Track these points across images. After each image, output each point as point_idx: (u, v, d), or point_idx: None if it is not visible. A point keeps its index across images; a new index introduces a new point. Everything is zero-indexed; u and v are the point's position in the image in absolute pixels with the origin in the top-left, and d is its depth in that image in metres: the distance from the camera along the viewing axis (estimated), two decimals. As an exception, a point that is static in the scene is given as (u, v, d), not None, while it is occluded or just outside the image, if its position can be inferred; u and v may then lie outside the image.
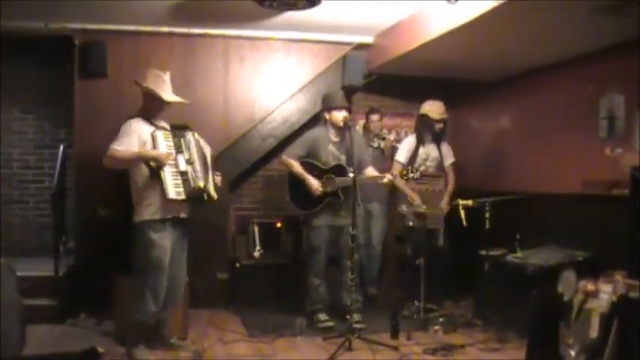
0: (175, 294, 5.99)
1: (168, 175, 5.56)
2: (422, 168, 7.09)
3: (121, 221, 6.73)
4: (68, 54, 7.59)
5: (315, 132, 7.12)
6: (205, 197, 5.82)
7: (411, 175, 6.56)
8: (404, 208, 7.22)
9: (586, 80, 6.74)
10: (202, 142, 6.06)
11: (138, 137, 5.60)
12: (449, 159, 7.66)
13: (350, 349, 6.04)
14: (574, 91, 6.99)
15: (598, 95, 6.55)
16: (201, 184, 5.76)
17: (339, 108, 6.89)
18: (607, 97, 6.45)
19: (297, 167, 6.91)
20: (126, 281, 6.07)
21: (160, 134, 5.66)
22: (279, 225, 8.24)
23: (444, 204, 7.41)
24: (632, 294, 4.69)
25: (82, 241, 7.60)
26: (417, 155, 7.54)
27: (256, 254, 8.05)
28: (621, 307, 4.72)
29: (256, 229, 8.16)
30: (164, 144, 5.65)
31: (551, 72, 7.33)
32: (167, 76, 5.86)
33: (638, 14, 5.14)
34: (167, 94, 5.82)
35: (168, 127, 5.90)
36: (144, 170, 5.62)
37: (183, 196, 5.62)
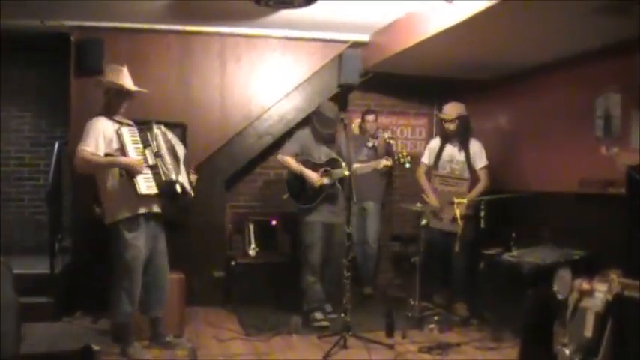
0: (160, 292, 5.93)
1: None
2: (447, 170, 7.22)
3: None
4: (65, 51, 7.58)
5: (307, 130, 7.17)
6: (179, 190, 5.71)
7: (402, 160, 6.62)
8: (419, 206, 7.17)
9: (582, 79, 6.76)
10: (172, 137, 6.00)
11: (103, 136, 5.54)
12: (479, 162, 7.41)
13: (345, 347, 6.05)
14: (570, 90, 7.00)
15: (594, 94, 6.56)
16: (173, 176, 5.68)
17: (331, 126, 6.95)
18: (603, 97, 6.47)
19: (293, 163, 6.94)
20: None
21: (125, 131, 5.60)
22: (274, 223, 8.24)
23: (462, 207, 7.05)
24: (628, 293, 4.70)
25: (78, 239, 7.58)
26: (441, 157, 7.53)
27: (252, 252, 8.05)
28: (616, 305, 4.73)
29: (252, 227, 8.16)
30: (130, 140, 5.59)
31: (547, 71, 7.34)
32: (125, 69, 5.84)
33: (635, 14, 5.15)
34: (130, 84, 5.80)
35: (131, 123, 5.84)
36: (113, 170, 5.57)
37: (155, 190, 5.54)
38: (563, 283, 5.27)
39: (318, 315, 6.92)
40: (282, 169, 7.13)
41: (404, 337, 6.50)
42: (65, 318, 6.96)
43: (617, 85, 6.29)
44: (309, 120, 7.32)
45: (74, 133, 7.53)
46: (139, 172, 5.48)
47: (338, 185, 6.83)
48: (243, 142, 8.05)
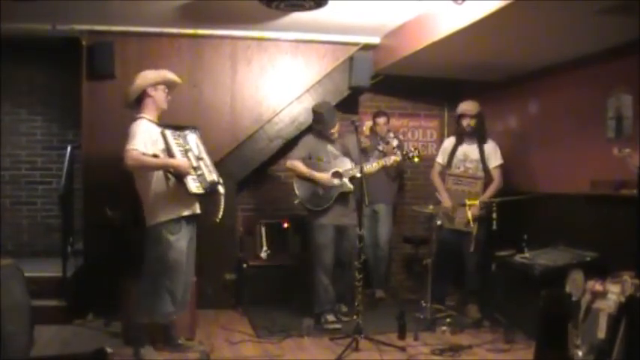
0: (187, 293, 6.00)
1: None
2: (461, 169, 7.28)
3: (129, 222, 6.77)
4: (75, 55, 7.60)
5: (311, 136, 7.21)
6: (222, 191, 5.85)
7: (410, 154, 6.67)
8: (431, 207, 7.16)
9: (593, 80, 6.73)
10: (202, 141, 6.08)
11: (149, 136, 5.62)
12: (494, 161, 7.41)
13: (357, 349, 6.04)
14: (582, 91, 6.98)
15: (606, 95, 6.53)
16: (214, 177, 5.81)
17: (331, 126, 7.00)
18: (615, 97, 6.44)
19: (303, 168, 6.96)
20: (134, 282, 6.08)
21: (169, 133, 5.69)
22: (286, 225, 8.24)
23: (475, 207, 7.07)
24: (640, 294, 4.69)
25: (90, 242, 7.59)
26: (455, 155, 7.54)
27: (263, 255, 8.06)
28: (629, 307, 4.72)
29: (263, 229, 8.17)
30: (174, 142, 5.68)
31: (559, 72, 7.31)
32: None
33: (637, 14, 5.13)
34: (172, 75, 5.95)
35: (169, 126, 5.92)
36: (156, 172, 5.64)
37: (202, 190, 5.66)
38: (575, 285, 5.26)
39: (330, 317, 6.92)
40: (293, 175, 7.11)
41: (416, 339, 6.48)
42: (77, 321, 6.98)
43: (627, 85, 6.25)
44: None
45: (86, 136, 7.59)
46: (188, 174, 5.59)
47: (349, 185, 6.83)
48: (254, 146, 8.05)
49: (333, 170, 6.90)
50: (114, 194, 7.13)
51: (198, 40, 7.88)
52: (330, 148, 7.03)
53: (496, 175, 7.36)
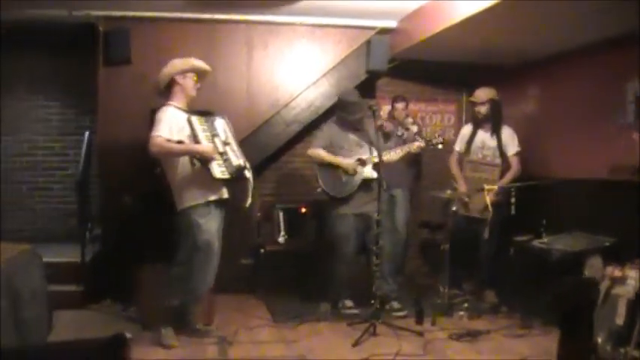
0: (213, 276, 6.03)
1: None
2: (479, 156, 7.30)
3: (145, 208, 6.79)
4: (91, 41, 7.61)
5: (332, 125, 7.15)
6: (249, 175, 5.89)
7: (434, 140, 6.65)
8: (449, 192, 7.14)
9: (612, 64, 6.67)
10: (230, 126, 6.14)
11: (176, 123, 5.69)
12: (511, 148, 7.37)
13: (375, 334, 6.06)
14: (600, 75, 6.91)
15: (625, 80, 6.47)
16: (241, 162, 5.84)
17: (356, 115, 6.94)
18: (634, 82, 6.37)
19: (326, 155, 6.91)
20: (151, 267, 6.11)
21: (195, 119, 5.73)
22: (303, 210, 8.19)
23: (491, 193, 7.02)
24: (660, 279, 4.65)
25: (108, 228, 7.63)
26: (473, 143, 7.52)
27: (281, 240, 8.03)
28: (649, 293, 4.68)
29: (281, 214, 8.13)
30: (200, 128, 5.72)
31: (577, 56, 7.25)
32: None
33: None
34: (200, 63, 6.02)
35: (198, 112, 5.98)
36: (182, 158, 5.70)
37: (227, 175, 5.71)
38: (594, 271, 5.22)
39: (348, 302, 6.93)
40: (312, 162, 7.08)
41: (433, 324, 6.48)
42: (94, 306, 7.01)
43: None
44: (334, 112, 7.30)
45: (102, 122, 7.61)
46: (213, 159, 5.64)
47: (373, 173, 6.79)
48: (270, 130, 8.04)
49: (357, 157, 6.87)
50: (130, 180, 7.16)
51: (214, 25, 7.87)
52: (352, 136, 6.97)
53: (514, 162, 7.33)
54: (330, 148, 6.95)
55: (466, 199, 7.27)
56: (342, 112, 6.98)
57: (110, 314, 6.84)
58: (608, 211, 6.44)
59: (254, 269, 7.93)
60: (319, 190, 7.00)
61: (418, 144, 6.80)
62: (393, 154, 6.81)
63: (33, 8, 7.12)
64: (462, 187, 7.38)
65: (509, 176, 7.23)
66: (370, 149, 6.80)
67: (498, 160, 7.32)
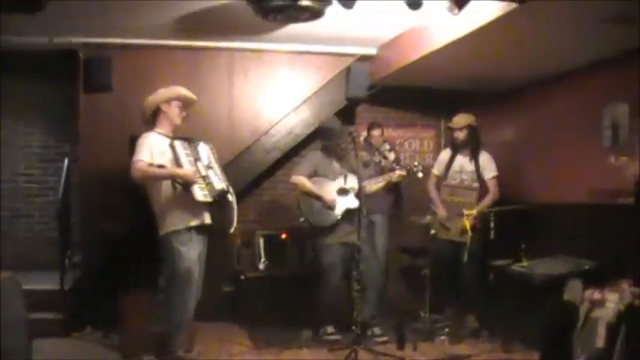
0: (195, 303, 5.99)
1: None
2: (456, 180, 7.35)
3: (127, 235, 6.77)
4: (72, 68, 7.62)
5: (318, 153, 7.19)
6: (231, 199, 5.93)
7: (414, 168, 6.69)
8: (428, 218, 7.18)
9: (590, 90, 6.75)
10: (214, 152, 6.19)
11: (157, 148, 5.72)
12: (488, 172, 7.42)
13: (356, 360, 6.05)
14: (578, 101, 7.00)
15: (602, 104, 6.54)
16: (224, 185, 5.87)
17: (338, 142, 6.98)
18: (611, 106, 6.45)
19: (308, 185, 6.92)
20: (132, 295, 6.08)
21: (178, 144, 5.77)
22: (284, 237, 8.20)
23: (470, 217, 7.07)
24: (639, 303, 4.69)
25: (88, 254, 7.60)
26: (451, 167, 7.56)
27: (261, 266, 8.04)
28: (628, 315, 4.72)
29: (261, 241, 8.14)
30: (183, 152, 5.76)
31: (555, 82, 7.34)
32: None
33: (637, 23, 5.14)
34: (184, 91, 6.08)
35: (181, 137, 6.00)
36: (164, 182, 5.71)
37: (209, 198, 5.71)
38: (574, 294, 5.26)
39: (329, 328, 6.91)
40: (296, 189, 7.10)
41: (415, 349, 6.49)
42: (75, 334, 6.96)
43: (623, 94, 6.26)
44: (314, 139, 7.34)
45: (83, 149, 7.60)
46: (195, 183, 5.64)
47: (354, 203, 6.77)
48: (251, 157, 8.05)
49: (339, 187, 6.88)
50: (111, 207, 7.14)
51: (196, 52, 7.90)
52: (335, 164, 7.01)
53: (491, 186, 7.39)
54: (314, 175, 6.96)
55: (446, 224, 7.30)
56: (324, 140, 7.02)
57: (91, 342, 6.80)
58: (588, 234, 6.48)
59: (234, 296, 7.90)
60: (302, 219, 7.01)
61: (400, 173, 6.84)
62: (374, 184, 6.86)
63: (13, 35, 7.11)
64: (441, 211, 7.41)
65: (487, 200, 7.28)
66: (351, 178, 6.81)
67: (476, 185, 7.37)
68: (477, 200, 7.27)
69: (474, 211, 7.02)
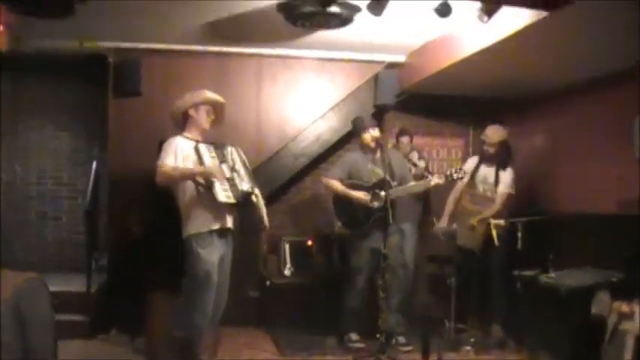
0: (218, 311, 5.98)
1: (216, 182, 5.64)
2: (480, 189, 7.33)
3: (154, 238, 6.79)
4: (102, 72, 7.68)
5: (354, 154, 7.17)
6: (255, 200, 5.88)
7: (455, 174, 6.65)
8: (454, 226, 7.15)
9: (621, 98, 6.69)
10: (243, 155, 6.17)
11: (181, 151, 5.73)
12: (502, 186, 7.34)
13: (380, 369, 6.01)
14: (609, 109, 6.93)
15: (634, 113, 6.48)
16: (247, 187, 5.85)
17: (367, 128, 6.90)
18: (642, 116, 6.40)
19: (341, 187, 6.90)
20: (158, 297, 6.09)
21: (202, 147, 5.78)
22: (310, 243, 8.20)
23: (470, 225, 7.15)
24: (668, 315, 4.64)
25: (115, 257, 7.64)
26: (476, 176, 7.51)
27: (287, 272, 8.04)
28: (657, 328, 4.67)
29: (287, 247, 8.14)
30: (208, 155, 5.77)
31: (585, 90, 7.28)
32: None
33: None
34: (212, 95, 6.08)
35: (208, 142, 6.01)
36: (189, 185, 5.71)
37: (232, 200, 5.70)
38: (602, 306, 5.20)
39: (354, 336, 6.88)
40: (324, 193, 7.09)
41: (439, 359, 6.43)
42: (100, 336, 6.99)
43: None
44: (349, 138, 7.33)
45: (112, 152, 7.65)
46: (217, 178, 5.63)
47: (389, 208, 6.70)
48: (278, 163, 8.06)
49: (373, 192, 6.82)
50: (138, 210, 7.16)
51: (224, 57, 7.93)
52: (371, 167, 6.94)
53: (499, 200, 7.30)
54: (348, 179, 6.94)
55: (441, 236, 7.39)
56: (359, 129, 6.97)
57: (117, 345, 6.81)
58: (617, 245, 6.41)
59: (260, 302, 7.90)
60: (338, 226, 7.00)
61: (437, 181, 6.74)
62: (414, 186, 6.80)
63: (44, 39, 7.19)
64: (444, 221, 7.47)
65: (488, 212, 7.21)
66: (389, 182, 6.75)
67: (496, 196, 7.33)
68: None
69: (502, 222, 6.96)
